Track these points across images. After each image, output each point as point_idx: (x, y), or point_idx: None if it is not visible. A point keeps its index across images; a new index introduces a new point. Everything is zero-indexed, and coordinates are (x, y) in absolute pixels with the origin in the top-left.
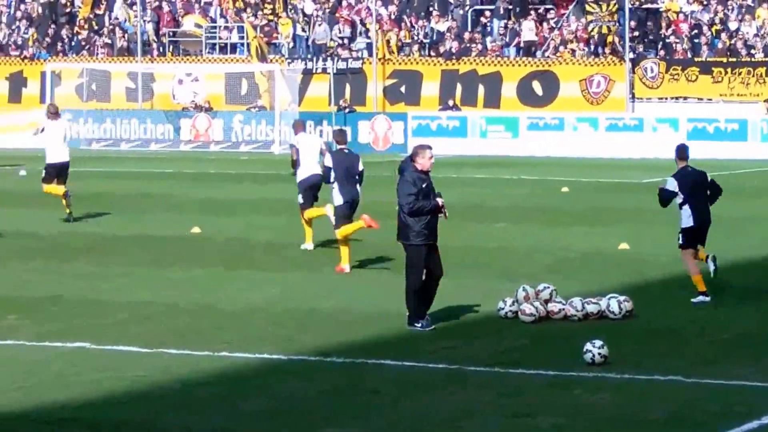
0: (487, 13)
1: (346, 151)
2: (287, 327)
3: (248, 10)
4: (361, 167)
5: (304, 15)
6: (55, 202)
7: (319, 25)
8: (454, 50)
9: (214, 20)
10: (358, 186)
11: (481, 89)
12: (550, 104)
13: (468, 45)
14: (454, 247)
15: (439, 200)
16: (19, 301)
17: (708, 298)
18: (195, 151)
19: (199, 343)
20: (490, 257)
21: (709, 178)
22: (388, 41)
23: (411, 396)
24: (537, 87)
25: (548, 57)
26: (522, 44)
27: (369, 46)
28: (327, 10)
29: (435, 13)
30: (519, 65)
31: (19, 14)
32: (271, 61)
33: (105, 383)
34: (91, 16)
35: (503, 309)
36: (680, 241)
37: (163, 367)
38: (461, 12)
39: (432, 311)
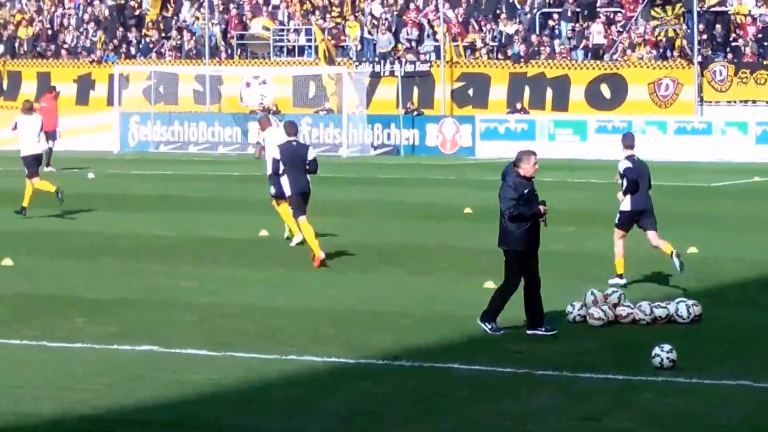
0: (555, 16)
1: (295, 142)
2: (353, 330)
3: (316, 12)
4: (311, 157)
5: (372, 18)
6: (119, 204)
7: (383, 33)
8: (522, 53)
9: (282, 23)
10: (308, 176)
11: (549, 92)
12: (619, 107)
13: (536, 48)
14: None
15: (541, 207)
16: (87, 303)
17: (623, 281)
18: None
19: (268, 345)
20: (559, 261)
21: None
22: (465, 47)
23: (479, 399)
24: (605, 90)
25: (616, 60)
26: (590, 47)
27: (437, 49)
28: (395, 13)
29: (503, 16)
30: (587, 68)
31: (87, 17)
32: (339, 63)
33: (173, 386)
34: (159, 18)
35: (571, 313)
36: (616, 221)
37: (231, 369)
38: (529, 15)
39: (499, 315)
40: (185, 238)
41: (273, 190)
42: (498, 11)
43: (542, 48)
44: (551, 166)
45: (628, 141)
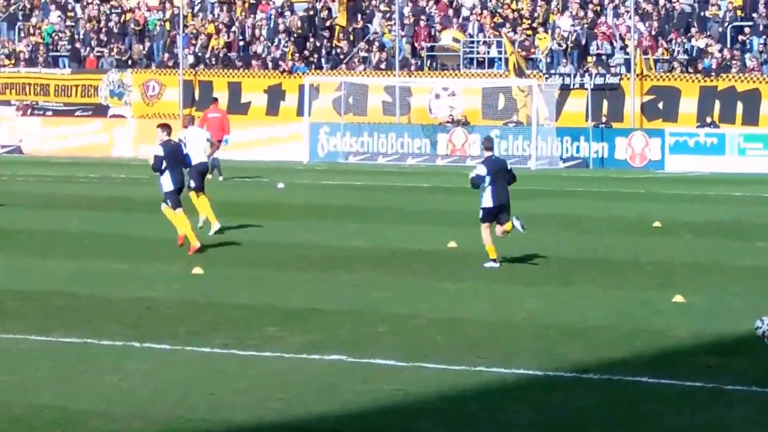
0: (747, 30)
1: (172, 142)
2: (545, 342)
3: (507, 25)
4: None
5: (561, 31)
6: (309, 214)
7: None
8: (713, 67)
9: (472, 35)
10: (185, 171)
11: (739, 106)
12: None
13: (728, 62)
14: (708, 264)
15: None
16: (278, 312)
17: (497, 264)
18: (451, 166)
19: (457, 357)
20: (747, 276)
21: (509, 166)
22: (655, 60)
23: (669, 413)
24: None
25: None
26: None
27: (627, 62)
28: (585, 26)
29: (694, 29)
30: None
31: (281, 27)
32: (529, 76)
33: (363, 396)
34: (349, 29)
35: (761, 328)
36: (480, 216)
37: (421, 381)
38: (720, 29)
39: (688, 329)
40: (375, 249)
41: (193, 184)
42: (689, 25)
43: (734, 62)
44: (741, 180)
45: (488, 143)
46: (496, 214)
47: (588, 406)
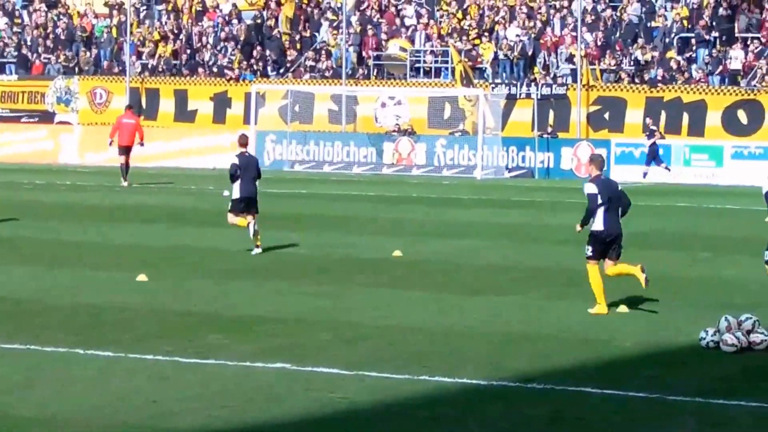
0: (693, 41)
1: None
2: (490, 351)
3: (454, 34)
4: None
5: (508, 41)
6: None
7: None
8: (659, 78)
9: (419, 44)
10: None
11: (685, 117)
12: (756, 133)
13: (673, 73)
14: (652, 275)
15: None
16: (222, 320)
17: (260, 250)
18: (397, 175)
19: (400, 366)
20: (692, 287)
21: (258, 164)
22: (602, 71)
23: (611, 424)
24: (742, 116)
25: (754, 86)
26: (727, 73)
27: (573, 72)
28: (532, 36)
29: (640, 40)
30: (724, 94)
31: (224, 35)
32: (476, 85)
33: (308, 404)
34: (296, 38)
35: (705, 339)
36: (229, 207)
37: (366, 389)
38: (667, 40)
39: (632, 339)
40: (320, 257)
41: None
42: (636, 36)
43: (679, 73)
44: (687, 191)
45: (242, 140)
46: (245, 205)
47: (532, 416)
